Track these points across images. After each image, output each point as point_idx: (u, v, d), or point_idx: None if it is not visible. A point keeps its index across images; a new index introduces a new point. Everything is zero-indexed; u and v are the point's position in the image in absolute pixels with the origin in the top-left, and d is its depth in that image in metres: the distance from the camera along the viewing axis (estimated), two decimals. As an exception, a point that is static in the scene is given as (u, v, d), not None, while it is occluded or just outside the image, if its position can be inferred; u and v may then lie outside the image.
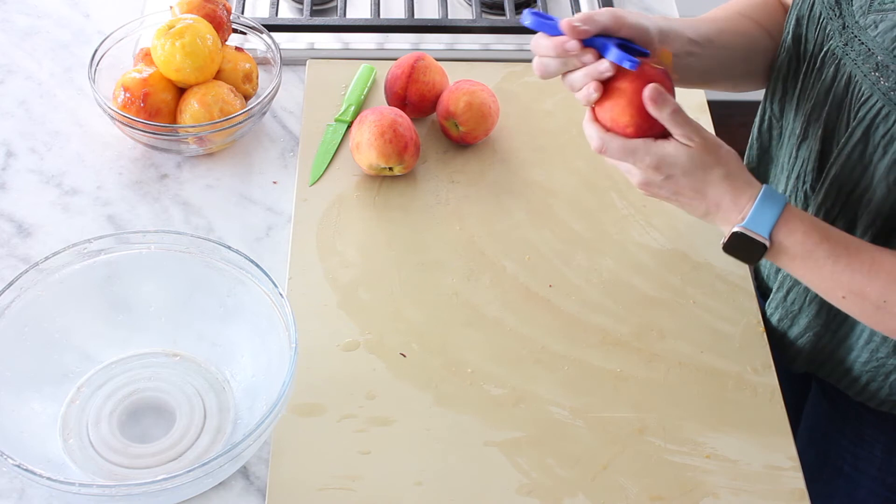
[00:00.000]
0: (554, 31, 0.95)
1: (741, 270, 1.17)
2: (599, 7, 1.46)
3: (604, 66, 0.93)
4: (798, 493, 1.01)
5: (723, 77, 1.10)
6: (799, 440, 1.05)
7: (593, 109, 0.96)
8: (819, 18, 1.00)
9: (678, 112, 0.92)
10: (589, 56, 0.94)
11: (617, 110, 0.94)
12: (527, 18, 0.96)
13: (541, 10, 0.98)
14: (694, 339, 1.12)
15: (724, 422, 1.05)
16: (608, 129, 0.95)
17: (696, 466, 1.02)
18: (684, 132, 0.92)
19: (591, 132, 0.95)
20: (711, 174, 0.93)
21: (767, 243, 0.93)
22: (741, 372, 1.09)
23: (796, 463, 1.03)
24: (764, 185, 0.94)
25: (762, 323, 1.13)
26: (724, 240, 0.95)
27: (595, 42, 0.95)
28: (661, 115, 0.92)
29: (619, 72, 0.94)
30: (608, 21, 0.94)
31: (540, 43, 0.96)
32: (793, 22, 1.04)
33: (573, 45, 0.94)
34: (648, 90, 0.91)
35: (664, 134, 0.94)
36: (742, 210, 0.93)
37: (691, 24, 1.06)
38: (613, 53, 0.94)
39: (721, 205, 0.94)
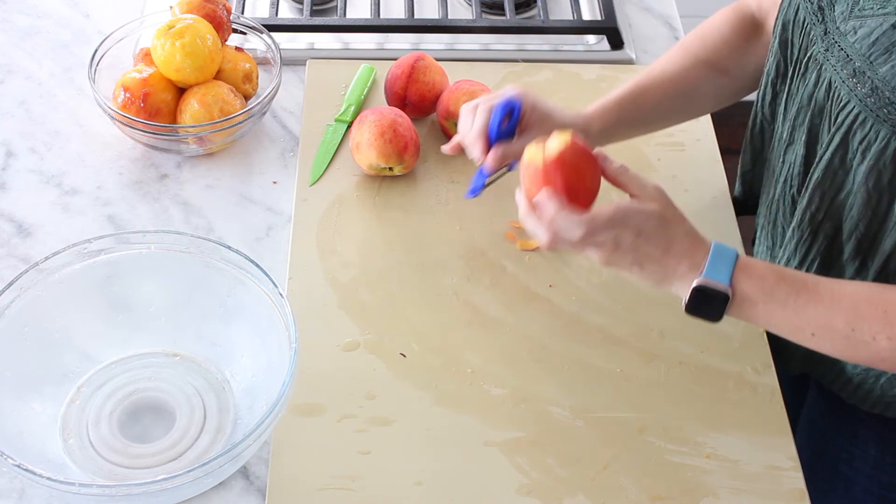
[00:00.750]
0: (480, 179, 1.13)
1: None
2: (599, 8, 1.46)
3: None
4: (798, 493, 1.01)
5: (652, 129, 1.20)
6: (797, 440, 1.06)
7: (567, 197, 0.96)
8: (803, 23, 1.00)
9: (626, 169, 0.97)
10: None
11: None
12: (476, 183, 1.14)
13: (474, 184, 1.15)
14: (694, 339, 1.12)
15: (724, 422, 1.05)
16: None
17: (696, 466, 1.02)
18: (638, 185, 0.96)
19: (571, 222, 0.94)
20: (675, 231, 0.94)
21: (729, 292, 0.93)
22: (741, 372, 1.09)
23: (796, 463, 1.03)
24: (713, 240, 0.95)
25: (762, 323, 1.13)
26: (684, 301, 0.95)
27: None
28: (610, 170, 0.97)
29: (543, 161, 0.97)
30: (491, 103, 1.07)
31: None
32: (779, 27, 1.04)
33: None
34: (610, 171, 0.96)
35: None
36: (699, 266, 0.93)
37: (634, 116, 1.14)
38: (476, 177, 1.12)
39: (680, 264, 0.94)
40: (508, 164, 1.10)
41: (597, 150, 0.98)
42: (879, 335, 0.91)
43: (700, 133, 1.31)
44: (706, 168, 1.28)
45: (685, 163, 1.28)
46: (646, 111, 1.15)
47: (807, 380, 1.24)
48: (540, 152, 0.96)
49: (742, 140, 1.20)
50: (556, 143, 0.96)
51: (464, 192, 1.22)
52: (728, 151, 1.32)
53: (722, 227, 1.21)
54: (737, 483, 1.01)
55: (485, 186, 1.13)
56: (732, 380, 1.09)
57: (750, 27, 1.15)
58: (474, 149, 1.08)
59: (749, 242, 1.22)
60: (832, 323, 0.92)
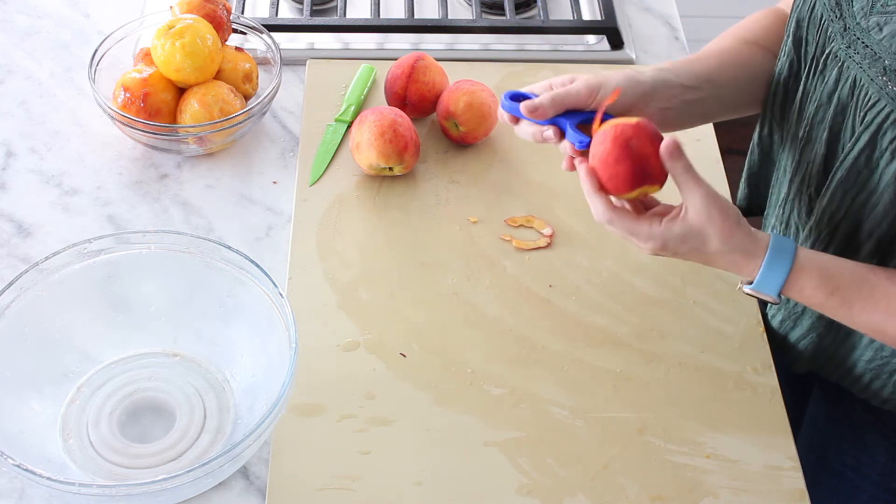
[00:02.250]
0: (521, 112, 1.03)
1: (741, 270, 1.17)
2: (599, 8, 1.46)
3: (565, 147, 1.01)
4: (798, 493, 1.01)
5: (725, 112, 1.13)
6: (800, 444, 1.05)
7: (595, 176, 0.97)
8: (820, 20, 0.99)
9: (690, 166, 0.94)
10: (550, 133, 1.01)
11: (607, 165, 0.96)
12: (504, 103, 1.04)
13: (517, 91, 1.06)
14: (694, 339, 1.12)
15: (724, 422, 1.05)
16: (604, 188, 0.97)
17: (696, 466, 1.02)
18: (688, 185, 0.94)
19: (597, 206, 0.97)
20: (713, 247, 0.95)
21: (777, 301, 0.97)
22: (741, 372, 1.09)
23: (796, 463, 1.03)
24: (771, 243, 0.95)
25: (762, 323, 1.13)
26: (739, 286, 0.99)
27: (558, 121, 1.02)
28: (675, 167, 0.94)
29: (606, 136, 0.96)
30: (576, 98, 1.01)
31: (518, 130, 1.05)
32: (793, 24, 1.03)
33: (535, 132, 1.02)
34: (666, 144, 0.93)
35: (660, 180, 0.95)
36: (752, 273, 0.96)
37: (688, 67, 1.08)
38: (568, 134, 1.00)
39: (729, 269, 0.98)
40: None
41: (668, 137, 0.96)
42: None
43: (700, 133, 1.31)
44: (706, 168, 1.27)
45: (685, 163, 1.28)
46: (706, 75, 1.08)
47: (809, 384, 1.24)
48: (611, 131, 0.96)
49: (745, 141, 1.20)
50: (628, 124, 0.96)
51: (466, 187, 1.22)
52: (728, 151, 1.32)
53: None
54: (737, 483, 1.01)
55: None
56: (732, 380, 1.09)
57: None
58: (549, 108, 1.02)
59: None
60: (886, 329, 0.95)
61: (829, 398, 1.19)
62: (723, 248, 0.95)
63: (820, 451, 1.21)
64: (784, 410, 1.06)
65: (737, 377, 1.09)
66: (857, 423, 1.16)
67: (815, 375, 1.17)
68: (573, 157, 1.00)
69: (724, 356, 1.10)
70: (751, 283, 0.97)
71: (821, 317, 1.08)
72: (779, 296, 0.96)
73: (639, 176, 0.95)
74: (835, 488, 1.21)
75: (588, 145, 0.99)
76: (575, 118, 1.02)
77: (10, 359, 1.01)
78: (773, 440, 1.04)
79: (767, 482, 1.01)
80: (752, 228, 0.97)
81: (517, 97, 1.05)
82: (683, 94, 1.06)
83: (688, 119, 1.09)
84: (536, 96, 1.02)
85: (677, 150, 0.94)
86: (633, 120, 0.96)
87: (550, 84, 1.04)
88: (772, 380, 1.09)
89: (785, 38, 1.05)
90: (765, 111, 1.12)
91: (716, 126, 1.31)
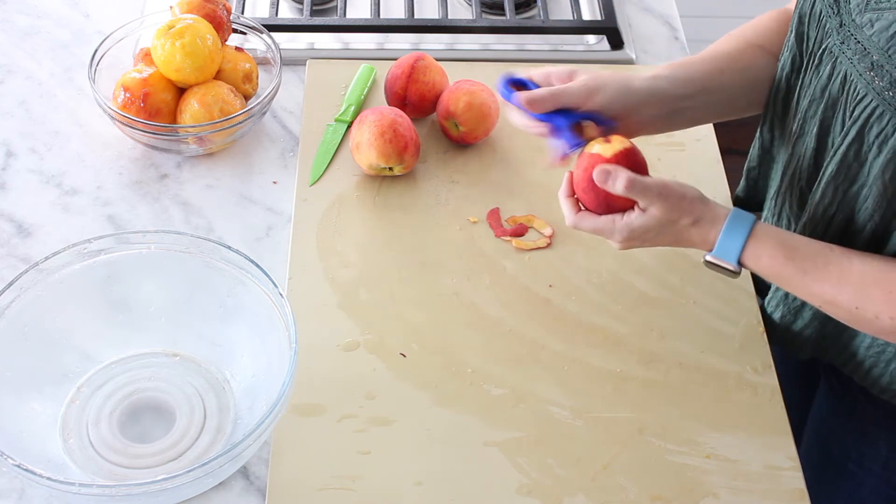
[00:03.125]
0: (517, 102, 1.04)
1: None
2: (599, 8, 1.46)
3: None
4: (798, 492, 1.01)
5: (718, 116, 1.15)
6: (805, 439, 1.06)
7: (571, 182, 1.03)
8: (819, 16, 1.00)
9: (633, 184, 0.98)
10: (543, 130, 1.04)
11: (580, 190, 1.02)
12: (501, 89, 1.06)
13: (515, 76, 1.08)
14: (694, 339, 1.12)
15: (724, 422, 1.05)
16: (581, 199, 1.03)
17: (696, 466, 1.02)
18: (644, 201, 0.99)
19: (565, 210, 1.04)
20: (680, 226, 1.00)
21: (737, 269, 1.00)
22: (741, 372, 1.09)
23: (796, 463, 1.03)
24: (730, 214, 0.99)
25: (762, 323, 1.13)
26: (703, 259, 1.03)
27: (553, 119, 1.04)
28: (616, 192, 0.98)
29: (583, 161, 1.02)
30: (574, 98, 1.03)
31: (510, 115, 1.07)
32: (796, 20, 1.04)
33: (529, 125, 1.05)
34: (595, 173, 0.99)
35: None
36: (710, 245, 1.00)
37: (684, 73, 1.09)
38: (562, 136, 1.03)
39: (693, 243, 1.02)
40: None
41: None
42: (882, 315, 0.95)
43: (700, 133, 1.31)
44: (706, 168, 1.28)
45: (685, 163, 1.28)
46: (701, 83, 1.10)
47: (815, 379, 1.24)
48: (590, 158, 1.01)
49: (744, 140, 1.20)
50: (609, 149, 1.01)
51: (466, 187, 1.22)
52: (728, 151, 1.32)
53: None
54: (737, 483, 1.01)
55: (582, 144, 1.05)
56: (732, 380, 1.09)
57: None
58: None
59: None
60: (837, 300, 0.97)
61: (834, 392, 1.20)
62: (689, 219, 0.99)
63: (823, 446, 1.21)
64: (784, 410, 1.06)
65: (737, 377, 1.09)
66: (860, 415, 1.17)
67: (820, 364, 1.17)
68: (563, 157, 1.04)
69: (724, 356, 1.10)
70: (710, 252, 1.00)
71: None
72: (739, 264, 0.99)
73: (603, 206, 1.01)
74: (837, 482, 1.21)
75: (581, 146, 1.03)
76: (567, 118, 1.04)
77: (10, 359, 1.01)
78: (773, 440, 1.04)
79: (767, 482, 1.01)
80: (714, 202, 1.01)
81: (516, 83, 1.07)
82: (676, 103, 1.08)
83: (680, 123, 1.12)
84: (534, 84, 1.06)
85: (607, 177, 0.98)
86: (617, 146, 1.00)
87: (549, 73, 1.07)
88: (772, 380, 1.09)
89: (788, 33, 1.06)
90: (767, 107, 1.12)
91: (716, 126, 1.31)
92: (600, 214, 1.02)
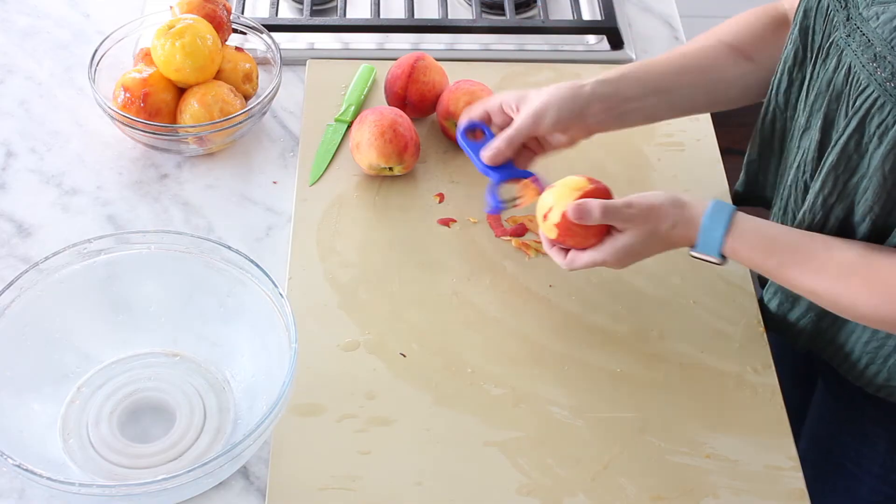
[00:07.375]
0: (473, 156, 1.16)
1: (741, 270, 1.17)
2: (599, 8, 1.46)
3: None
4: (798, 492, 1.01)
5: (674, 114, 1.18)
6: (803, 438, 1.06)
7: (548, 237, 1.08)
8: (827, 10, 1.01)
9: (607, 211, 1.02)
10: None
11: (560, 239, 1.06)
12: (460, 140, 1.18)
13: (473, 122, 1.18)
14: (694, 339, 1.12)
15: (724, 422, 1.05)
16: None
17: (696, 466, 1.02)
18: (621, 221, 1.02)
19: (555, 258, 1.08)
20: (662, 233, 1.03)
21: (721, 262, 1.03)
22: (741, 372, 1.09)
23: (796, 463, 1.03)
24: (708, 209, 1.02)
25: (762, 323, 1.13)
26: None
27: (490, 174, 1.14)
28: (594, 221, 1.02)
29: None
30: (526, 131, 1.12)
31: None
32: (800, 14, 1.05)
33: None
34: (570, 211, 1.03)
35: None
36: (693, 242, 1.03)
37: (636, 77, 1.13)
38: (489, 195, 1.14)
39: (682, 244, 1.05)
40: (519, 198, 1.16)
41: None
42: (860, 303, 0.97)
43: (700, 133, 1.31)
44: (706, 168, 1.28)
45: (685, 163, 1.28)
46: (655, 84, 1.13)
47: (814, 379, 1.24)
48: (551, 210, 1.06)
49: (743, 138, 1.20)
50: (561, 207, 1.05)
51: (466, 187, 1.22)
52: (728, 151, 1.32)
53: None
54: (737, 483, 1.01)
55: (503, 209, 1.15)
56: (732, 380, 1.09)
57: (781, 20, 1.14)
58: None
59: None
60: (817, 290, 1.00)
61: (832, 391, 1.20)
62: (669, 223, 1.02)
63: (822, 446, 1.21)
64: (784, 410, 1.06)
65: (737, 377, 1.09)
66: (859, 415, 1.17)
67: (818, 364, 1.17)
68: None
69: (724, 356, 1.10)
70: (693, 248, 1.03)
71: None
72: (721, 256, 1.02)
73: (580, 245, 1.05)
74: (835, 482, 1.21)
75: (498, 210, 1.14)
76: (501, 175, 1.14)
77: (10, 359, 1.01)
78: (773, 440, 1.04)
79: (767, 482, 1.01)
80: (690, 199, 1.03)
81: (472, 129, 1.17)
82: (623, 104, 1.12)
83: (632, 122, 1.15)
84: (489, 129, 1.16)
85: (582, 212, 1.02)
86: (578, 189, 1.05)
87: (500, 104, 1.15)
88: (772, 380, 1.09)
89: (791, 27, 1.06)
90: (769, 100, 1.12)
91: (716, 126, 1.31)
92: (585, 249, 1.05)
